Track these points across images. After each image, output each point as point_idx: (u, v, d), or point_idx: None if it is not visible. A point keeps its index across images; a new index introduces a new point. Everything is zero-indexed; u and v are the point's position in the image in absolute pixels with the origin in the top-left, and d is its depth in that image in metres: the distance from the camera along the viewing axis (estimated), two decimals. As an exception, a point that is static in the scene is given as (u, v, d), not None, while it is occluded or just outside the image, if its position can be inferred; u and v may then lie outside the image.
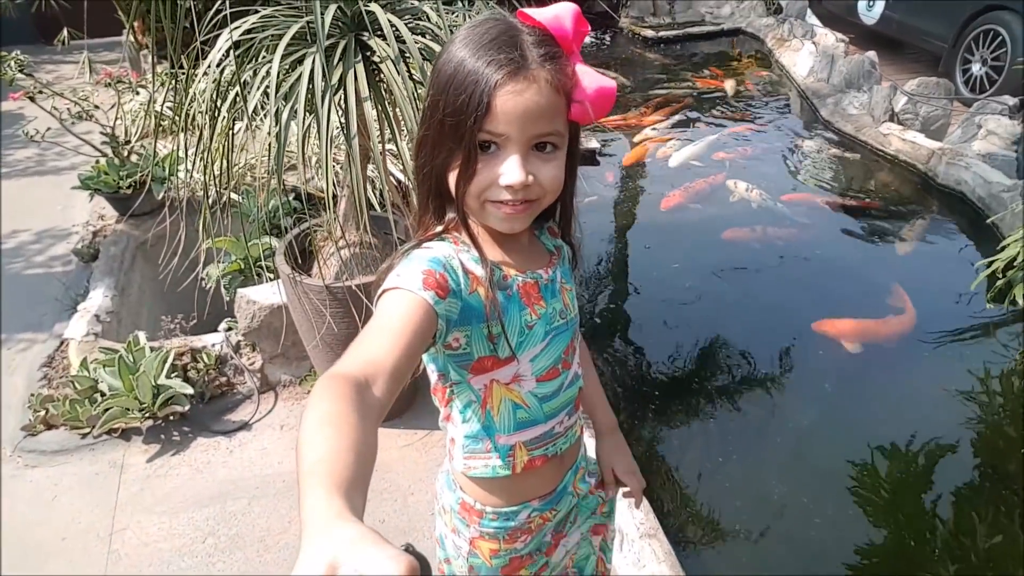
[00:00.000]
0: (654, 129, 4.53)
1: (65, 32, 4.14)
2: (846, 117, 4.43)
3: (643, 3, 7.49)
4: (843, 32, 5.77)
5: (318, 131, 1.51)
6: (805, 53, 5.34)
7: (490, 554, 1.00)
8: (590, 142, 4.09)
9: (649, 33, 6.77)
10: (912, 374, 2.57)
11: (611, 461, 1.12)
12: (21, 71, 2.84)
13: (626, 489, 1.14)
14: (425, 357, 0.89)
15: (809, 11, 6.61)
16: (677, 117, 4.80)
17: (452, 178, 0.80)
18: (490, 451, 0.92)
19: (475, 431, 0.92)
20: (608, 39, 6.97)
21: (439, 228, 0.87)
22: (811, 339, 2.70)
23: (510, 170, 0.77)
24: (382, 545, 0.42)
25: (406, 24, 1.54)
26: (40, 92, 2.93)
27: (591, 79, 0.79)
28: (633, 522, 1.72)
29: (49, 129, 3.13)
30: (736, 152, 4.20)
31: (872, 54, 4.85)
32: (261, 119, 1.66)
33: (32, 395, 2.27)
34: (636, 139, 4.43)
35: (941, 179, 3.65)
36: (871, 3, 6.06)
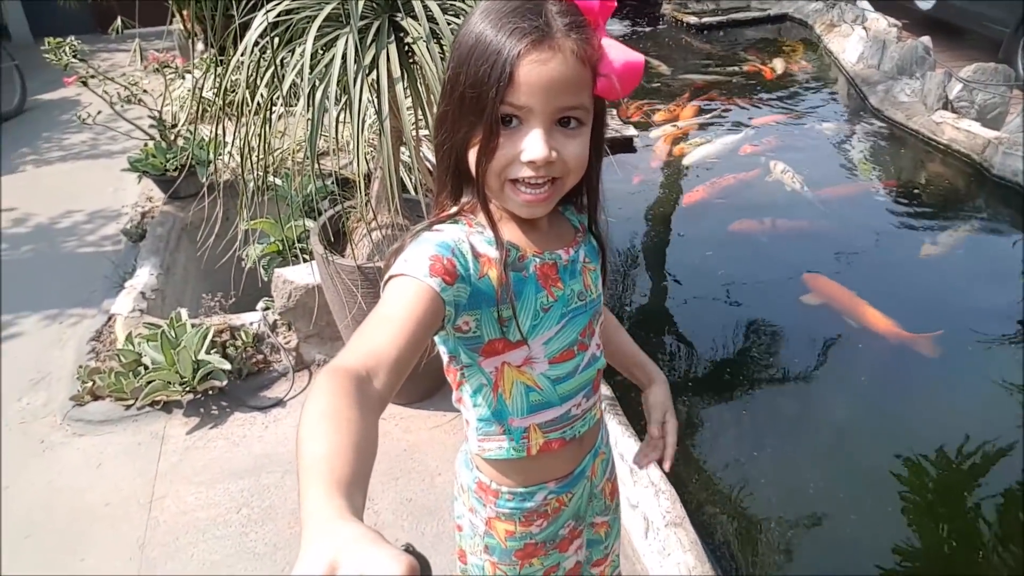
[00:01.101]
0: (674, 125, 4.39)
1: (119, 21, 4.28)
2: (896, 105, 4.26)
3: (687, -11, 7.34)
4: (897, 18, 5.54)
5: (350, 112, 1.53)
6: (855, 39, 5.15)
7: (506, 535, 0.99)
8: (627, 129, 4.04)
9: (692, 19, 6.64)
10: (961, 370, 2.48)
11: (668, 405, 1.08)
12: (75, 57, 2.95)
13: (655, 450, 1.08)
14: (436, 338, 0.88)
15: (861, -5, 6.37)
16: (715, 108, 4.68)
17: (472, 155, 0.77)
18: (503, 433, 0.91)
19: (487, 414, 0.90)
20: (649, 26, 6.85)
21: (453, 209, 0.84)
22: (850, 332, 2.62)
23: (532, 145, 0.74)
24: (382, 545, 0.42)
25: (439, 5, 1.55)
26: (92, 77, 3.04)
27: (618, 52, 0.76)
28: (659, 510, 1.71)
29: (100, 113, 3.25)
30: (762, 145, 4.06)
31: (926, 39, 4.65)
32: (297, 102, 1.69)
33: (80, 367, 2.37)
34: (657, 134, 4.31)
35: (996, 170, 3.49)
36: (928, -13, 5.81)
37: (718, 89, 5.03)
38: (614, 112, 4.24)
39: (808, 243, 3.22)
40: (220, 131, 1.95)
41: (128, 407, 2.26)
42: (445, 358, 0.91)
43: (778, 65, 5.37)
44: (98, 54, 6.01)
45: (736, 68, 5.41)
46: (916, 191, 3.63)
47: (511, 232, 0.84)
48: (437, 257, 0.74)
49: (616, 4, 0.81)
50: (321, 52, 1.66)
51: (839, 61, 5.20)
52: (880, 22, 5.39)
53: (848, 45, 5.21)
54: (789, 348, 2.60)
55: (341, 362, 0.64)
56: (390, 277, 0.75)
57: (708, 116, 4.53)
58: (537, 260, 0.85)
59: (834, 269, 3.00)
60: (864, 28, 5.28)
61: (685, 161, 3.95)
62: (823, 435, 2.25)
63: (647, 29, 6.76)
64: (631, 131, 4.04)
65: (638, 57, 0.77)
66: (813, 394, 2.39)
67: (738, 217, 3.38)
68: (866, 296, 2.83)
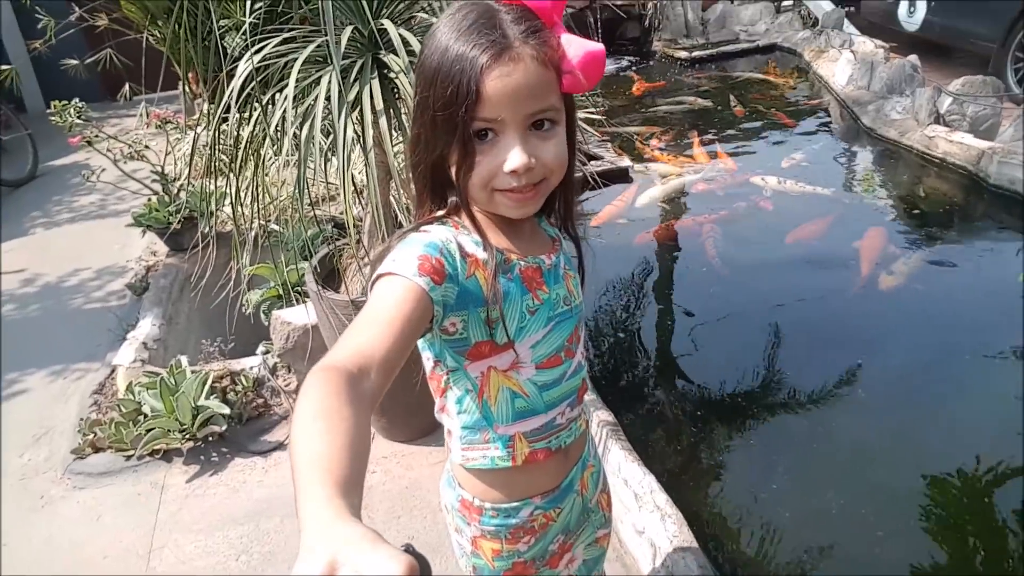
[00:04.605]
0: (675, 159, 4.33)
1: (127, 87, 4.44)
2: (889, 123, 4.29)
3: (675, 25, 7.52)
4: (884, 41, 5.63)
5: (335, 148, 1.56)
6: (843, 62, 5.22)
7: (492, 555, 0.97)
8: (622, 161, 4.08)
9: (683, 54, 6.77)
10: (972, 383, 2.41)
11: None
12: (79, 117, 3.05)
13: None
14: (421, 343, 0.88)
15: (847, 21, 6.49)
16: (714, 139, 4.70)
17: (454, 171, 0.79)
18: (488, 442, 0.90)
19: (472, 421, 0.89)
20: (642, 63, 6.99)
21: (441, 212, 0.86)
22: (856, 344, 2.57)
23: (511, 155, 0.76)
24: (381, 545, 0.42)
25: (419, 39, 1.59)
26: (96, 136, 3.13)
27: (577, 46, 0.77)
28: (666, 535, 1.65)
29: (104, 170, 3.33)
30: (716, 184, 3.98)
31: (913, 58, 4.71)
32: (284, 145, 1.72)
33: (82, 420, 2.37)
34: (661, 169, 4.26)
35: (994, 179, 3.47)
36: (912, 9, 5.91)
37: (712, 120, 5.09)
38: (608, 145, 4.28)
39: (809, 262, 3.19)
40: (217, 182, 1.99)
41: (128, 457, 2.25)
42: (429, 364, 0.90)
43: (769, 91, 5.44)
44: (108, 120, 6.21)
45: (727, 100, 5.47)
46: (916, 205, 3.61)
47: (495, 237, 0.85)
48: (426, 257, 0.75)
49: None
50: (311, 88, 1.70)
51: (829, 85, 5.26)
52: (867, 45, 5.48)
53: (837, 69, 5.28)
54: (797, 365, 2.55)
55: (331, 361, 0.64)
56: (378, 276, 0.75)
57: (706, 148, 4.53)
58: (521, 263, 0.86)
59: (840, 286, 2.97)
60: (852, 52, 5.36)
61: (676, 187, 3.96)
62: (836, 454, 2.18)
63: (640, 66, 6.89)
64: (626, 162, 4.08)
65: (597, 47, 0.78)
66: (823, 413, 2.32)
67: (746, 241, 3.38)
68: (873, 311, 2.80)
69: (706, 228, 3.53)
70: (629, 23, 7.02)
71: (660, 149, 4.56)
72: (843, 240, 3.30)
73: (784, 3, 7.40)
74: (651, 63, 6.98)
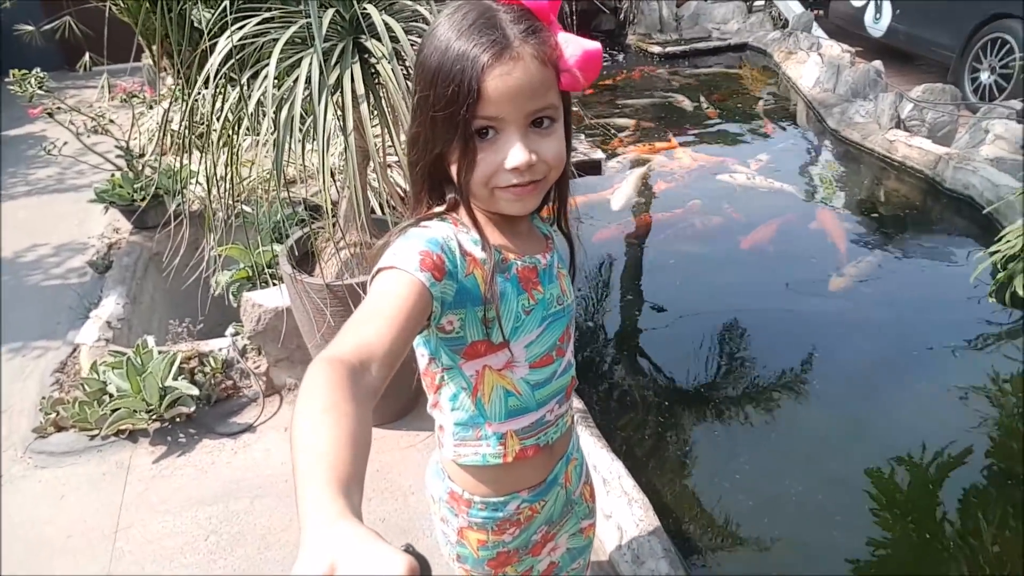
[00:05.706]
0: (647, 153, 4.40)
1: (87, 57, 4.28)
2: (852, 125, 4.42)
3: (650, 20, 7.58)
4: (851, 45, 5.78)
5: (315, 131, 1.55)
6: (811, 64, 5.35)
7: (478, 545, 0.99)
8: (594, 152, 4.13)
9: (656, 49, 6.84)
10: (922, 378, 2.54)
11: None
12: (40, 88, 2.95)
13: None
14: (416, 340, 0.88)
15: (815, 25, 6.64)
16: (686, 135, 4.78)
17: (455, 170, 0.79)
18: (481, 439, 0.91)
19: (465, 419, 0.91)
20: (616, 56, 7.04)
21: (440, 209, 0.86)
22: (813, 341, 2.68)
23: (513, 152, 0.77)
24: (382, 545, 0.43)
25: (402, 26, 1.59)
26: (58, 108, 3.03)
27: (575, 45, 0.78)
28: (632, 519, 1.71)
29: (66, 144, 3.23)
30: (684, 180, 4.06)
31: (878, 63, 4.85)
32: (262, 126, 1.70)
33: (43, 398, 2.32)
34: (630, 158, 4.35)
35: (949, 184, 3.63)
36: (878, 15, 6.08)
37: (684, 117, 5.17)
38: (581, 137, 4.32)
39: (769, 256, 3.30)
40: (187, 160, 1.96)
41: (93, 437, 2.21)
42: (424, 360, 0.91)
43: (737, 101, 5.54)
44: (66, 90, 5.98)
45: (699, 95, 5.57)
46: (875, 207, 3.75)
47: (493, 235, 0.86)
48: (427, 252, 0.76)
49: None
50: (287, 74, 1.69)
51: (797, 86, 5.39)
52: (834, 48, 5.62)
53: (805, 71, 5.41)
54: (759, 359, 2.64)
55: (334, 353, 0.64)
56: (379, 269, 0.75)
57: (677, 146, 4.61)
58: (519, 263, 0.87)
59: (799, 282, 3.07)
60: (819, 55, 5.50)
61: (645, 183, 4.03)
62: (795, 444, 2.28)
63: (614, 59, 6.94)
64: (599, 154, 4.13)
65: (594, 45, 0.79)
66: (780, 404, 2.42)
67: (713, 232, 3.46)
68: (829, 308, 2.91)
69: (672, 223, 3.62)
70: (604, 16, 7.06)
71: (633, 144, 4.63)
72: (800, 233, 3.41)
73: (756, 3, 7.53)
74: (625, 57, 7.04)
